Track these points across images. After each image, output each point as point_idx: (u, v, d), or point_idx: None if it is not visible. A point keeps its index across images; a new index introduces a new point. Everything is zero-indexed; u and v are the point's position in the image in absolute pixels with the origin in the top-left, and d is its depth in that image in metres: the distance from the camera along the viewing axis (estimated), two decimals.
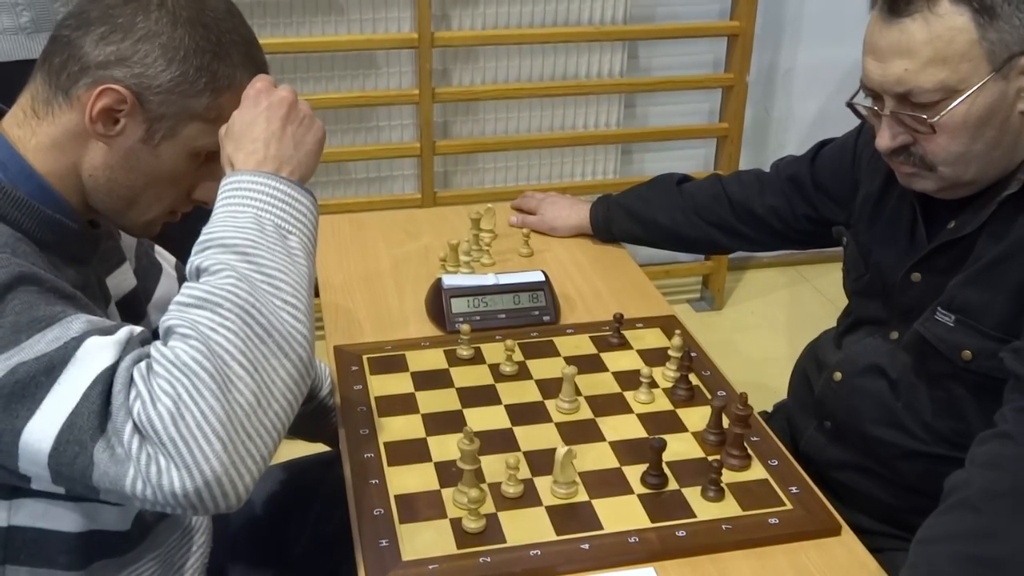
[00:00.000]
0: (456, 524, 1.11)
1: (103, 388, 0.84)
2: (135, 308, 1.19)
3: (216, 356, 0.85)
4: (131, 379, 0.85)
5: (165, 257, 1.30)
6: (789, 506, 1.15)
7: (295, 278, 0.93)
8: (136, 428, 0.83)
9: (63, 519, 0.99)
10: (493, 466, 1.19)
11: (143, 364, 0.86)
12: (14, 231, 0.94)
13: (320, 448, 1.56)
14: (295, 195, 0.98)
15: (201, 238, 0.94)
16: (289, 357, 0.90)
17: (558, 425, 1.29)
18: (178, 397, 0.83)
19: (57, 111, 0.99)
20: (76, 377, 0.84)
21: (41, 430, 0.84)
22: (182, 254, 1.31)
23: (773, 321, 3.21)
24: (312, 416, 1.44)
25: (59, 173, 1.00)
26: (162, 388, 0.84)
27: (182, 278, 1.30)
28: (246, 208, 0.95)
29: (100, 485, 0.85)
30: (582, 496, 1.16)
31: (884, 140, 1.21)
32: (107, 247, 1.14)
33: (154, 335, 1.25)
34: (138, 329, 0.92)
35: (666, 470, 1.19)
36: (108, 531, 1.03)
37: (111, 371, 0.85)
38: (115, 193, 1.02)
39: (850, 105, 1.29)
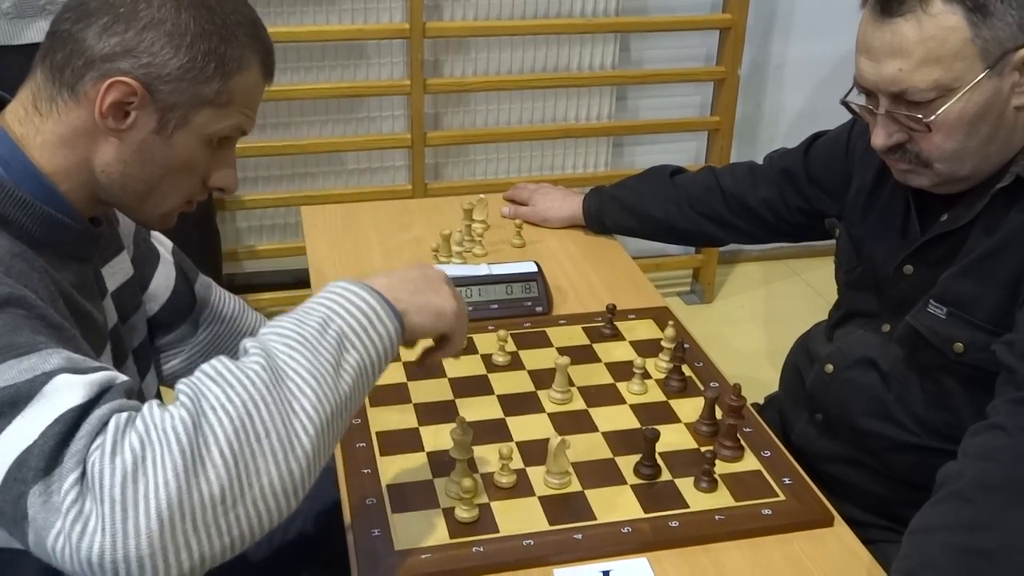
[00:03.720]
0: (449, 514, 1.11)
1: (62, 429, 0.78)
2: (131, 298, 1.18)
3: (199, 433, 0.79)
4: (104, 425, 0.79)
5: (162, 242, 1.29)
6: (782, 497, 1.16)
7: (326, 392, 0.85)
8: (81, 478, 0.77)
9: None
10: (486, 456, 1.19)
11: (125, 415, 0.80)
12: (13, 242, 0.92)
13: None
14: (380, 314, 0.92)
15: (273, 321, 0.90)
16: (280, 466, 0.81)
17: (551, 415, 1.29)
18: (141, 460, 0.77)
19: (63, 108, 0.96)
20: (39, 413, 0.79)
21: None
22: (177, 238, 1.31)
23: (762, 315, 3.22)
24: None
25: (68, 171, 0.98)
26: (130, 444, 0.78)
27: (179, 264, 1.29)
28: (322, 308, 0.90)
29: (27, 533, 0.78)
30: (575, 486, 1.16)
31: (879, 139, 1.21)
32: (105, 235, 1.13)
33: (149, 326, 1.24)
34: (122, 378, 0.86)
35: (659, 461, 1.19)
36: None
37: (75, 412, 0.79)
38: (130, 187, 1.00)
39: (844, 103, 1.29)
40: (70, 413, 0.79)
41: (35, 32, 1.83)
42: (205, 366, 0.85)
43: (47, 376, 0.81)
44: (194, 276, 1.32)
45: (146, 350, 1.22)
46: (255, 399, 0.82)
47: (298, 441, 0.83)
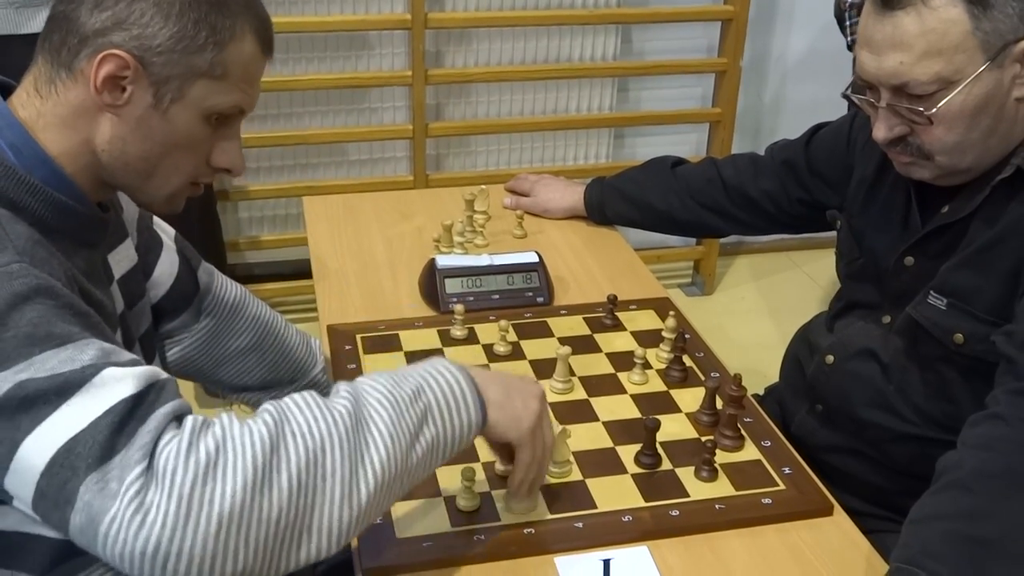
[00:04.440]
0: (450, 502, 1.11)
1: (114, 419, 0.81)
2: (136, 285, 1.18)
3: (275, 454, 0.82)
4: (179, 423, 0.82)
5: (164, 230, 1.29)
6: (782, 486, 1.16)
7: (398, 456, 0.88)
8: (148, 469, 0.79)
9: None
10: (487, 445, 1.20)
11: (201, 418, 0.83)
12: (30, 229, 0.92)
13: None
14: (469, 401, 0.96)
15: (372, 374, 0.95)
16: (334, 509, 0.84)
17: (552, 405, 1.29)
18: (214, 464, 0.80)
19: (61, 88, 0.97)
20: (88, 403, 0.81)
21: (40, 445, 0.80)
22: (178, 229, 1.31)
23: (763, 306, 3.22)
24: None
25: (71, 152, 0.98)
26: (206, 446, 0.80)
27: (181, 251, 1.29)
28: (419, 378, 0.95)
29: (74, 520, 0.80)
30: (576, 475, 1.17)
31: (881, 132, 1.22)
32: (111, 222, 1.13)
33: (153, 313, 1.24)
34: (163, 374, 0.88)
35: (660, 450, 1.20)
36: None
37: (128, 403, 0.82)
38: (131, 166, 1.00)
39: (846, 96, 1.29)
40: (122, 404, 0.81)
41: (41, 21, 1.84)
42: (295, 395, 0.88)
43: (95, 368, 0.83)
44: (196, 263, 1.33)
45: (151, 337, 1.23)
46: (333, 439, 0.85)
47: (357, 491, 0.86)
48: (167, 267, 1.26)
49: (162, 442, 0.81)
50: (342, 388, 0.91)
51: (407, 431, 0.90)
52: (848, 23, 2.51)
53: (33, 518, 0.86)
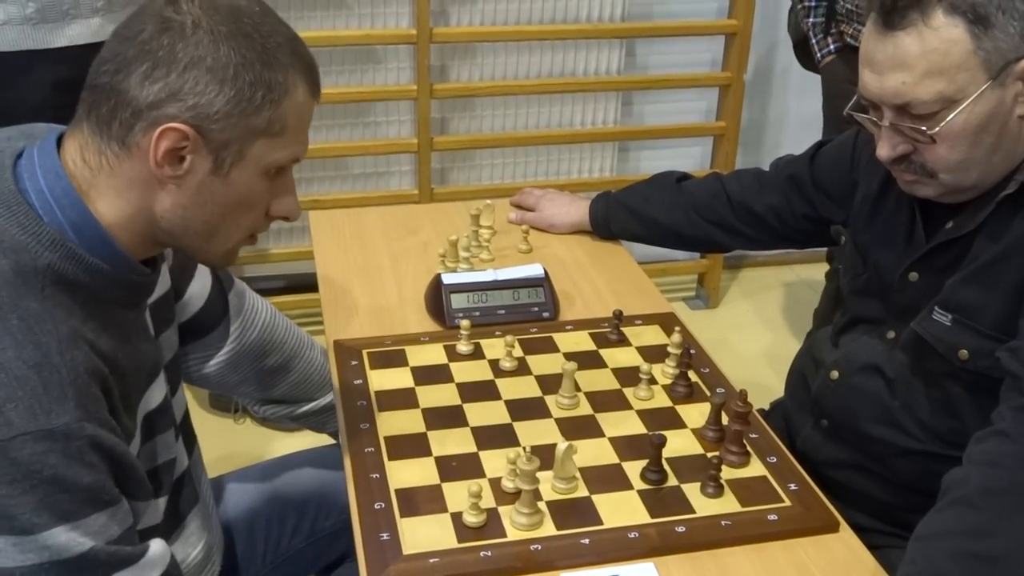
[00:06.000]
0: (457, 518, 1.12)
1: None
2: (166, 311, 1.17)
3: None
4: None
5: None
6: (788, 503, 1.16)
7: None
8: None
9: None
10: (493, 461, 1.20)
11: None
12: (79, 321, 0.93)
13: (314, 443, 1.57)
14: None
15: None
16: None
17: (558, 421, 1.30)
18: None
19: (113, 160, 0.94)
20: None
21: None
22: None
23: (768, 320, 3.23)
24: (325, 409, 1.45)
25: (125, 221, 0.97)
26: None
27: (214, 271, 1.29)
28: None
29: None
30: (582, 491, 1.17)
31: (884, 150, 1.22)
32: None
33: (183, 331, 1.23)
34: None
35: (666, 466, 1.20)
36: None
37: None
38: (192, 229, 0.99)
39: (849, 114, 1.30)
40: None
41: (61, 37, 1.84)
42: None
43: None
44: (229, 285, 1.32)
45: (176, 364, 1.21)
46: None
47: None
48: (199, 288, 1.26)
49: None
50: None
51: None
52: (814, 40, 2.52)
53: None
